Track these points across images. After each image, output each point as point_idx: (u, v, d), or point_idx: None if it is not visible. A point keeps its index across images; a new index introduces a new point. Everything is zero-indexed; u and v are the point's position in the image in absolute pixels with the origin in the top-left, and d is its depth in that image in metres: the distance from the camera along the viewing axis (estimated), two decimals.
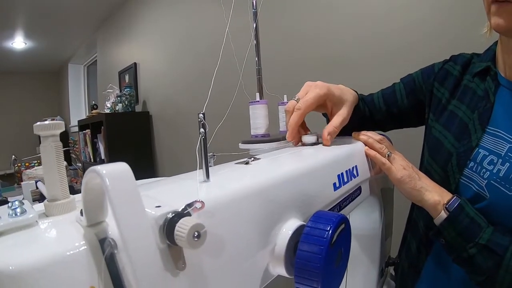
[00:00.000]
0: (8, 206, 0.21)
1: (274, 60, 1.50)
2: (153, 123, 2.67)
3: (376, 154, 0.50)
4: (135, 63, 2.83)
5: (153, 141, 2.68)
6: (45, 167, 0.22)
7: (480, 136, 0.48)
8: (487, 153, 0.47)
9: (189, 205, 0.21)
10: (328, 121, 0.58)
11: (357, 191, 0.48)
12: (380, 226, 0.63)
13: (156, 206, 0.20)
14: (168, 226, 0.19)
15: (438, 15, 0.98)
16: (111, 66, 3.35)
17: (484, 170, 0.46)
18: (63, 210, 0.22)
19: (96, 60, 3.85)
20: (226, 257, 0.24)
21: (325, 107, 0.55)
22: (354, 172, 0.47)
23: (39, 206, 0.24)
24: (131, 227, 0.17)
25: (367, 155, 0.51)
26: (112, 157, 2.44)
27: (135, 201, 0.17)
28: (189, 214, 0.20)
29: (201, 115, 0.26)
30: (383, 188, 0.62)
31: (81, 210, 0.19)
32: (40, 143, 0.22)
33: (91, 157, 2.84)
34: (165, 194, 0.26)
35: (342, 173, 0.43)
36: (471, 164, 0.48)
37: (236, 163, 0.37)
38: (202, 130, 0.26)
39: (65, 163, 0.26)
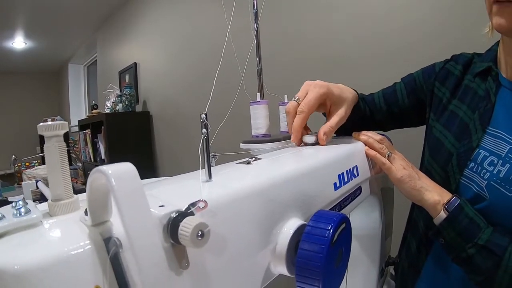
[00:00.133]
0: (12, 206, 0.21)
1: (275, 60, 1.50)
2: (153, 123, 2.67)
3: (376, 154, 0.50)
4: (135, 63, 2.83)
5: (153, 141, 2.69)
6: (49, 167, 0.22)
7: (480, 136, 0.48)
8: (488, 154, 0.47)
9: (193, 204, 0.21)
10: (327, 120, 0.58)
11: (357, 191, 0.48)
12: (380, 225, 0.63)
13: (160, 206, 0.21)
14: (172, 226, 0.19)
15: (438, 15, 0.98)
16: (111, 66, 3.35)
17: (484, 171, 0.46)
18: (67, 210, 0.22)
19: (96, 60, 3.85)
20: (228, 256, 0.25)
21: (324, 106, 0.55)
22: (355, 172, 0.47)
23: (43, 206, 0.24)
24: (137, 226, 0.17)
25: (367, 155, 0.51)
26: (112, 157, 2.44)
27: (140, 200, 0.17)
28: (192, 214, 0.21)
29: (203, 115, 0.26)
30: (383, 187, 0.63)
31: (86, 209, 0.20)
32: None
33: (92, 157, 2.84)
34: (168, 193, 0.26)
35: (342, 173, 0.43)
36: (472, 164, 0.48)
37: (237, 163, 0.38)
38: (204, 130, 0.27)
39: None
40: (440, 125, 0.56)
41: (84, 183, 2.96)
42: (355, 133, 0.55)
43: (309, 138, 0.51)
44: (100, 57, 3.70)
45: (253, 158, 0.39)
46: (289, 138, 0.54)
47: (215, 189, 0.27)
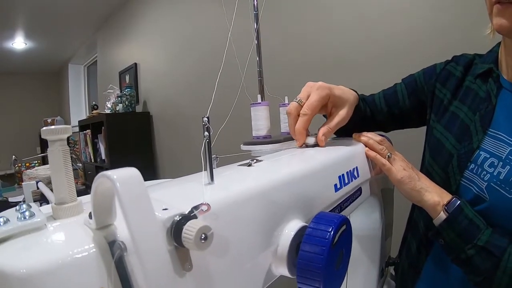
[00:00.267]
0: (16, 209, 0.21)
1: (275, 61, 1.50)
2: (153, 124, 2.67)
3: (377, 155, 0.50)
4: (135, 64, 2.83)
5: (154, 141, 2.69)
6: (53, 171, 0.23)
7: (481, 138, 0.49)
8: (488, 156, 0.47)
9: (196, 207, 0.21)
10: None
11: (358, 192, 0.48)
12: (380, 226, 0.63)
13: (163, 209, 0.21)
14: (176, 229, 0.20)
15: (439, 16, 0.98)
16: (111, 66, 3.35)
17: (484, 172, 0.47)
18: (71, 213, 0.22)
19: (96, 61, 3.85)
20: (230, 258, 0.25)
21: (325, 107, 0.55)
22: (355, 173, 0.47)
23: (46, 209, 0.24)
24: (142, 230, 0.17)
25: (367, 156, 0.51)
26: (112, 157, 2.45)
27: (145, 205, 0.17)
28: (195, 217, 0.21)
29: (205, 118, 0.27)
30: (383, 188, 0.63)
31: (90, 213, 0.20)
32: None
33: (92, 157, 2.85)
34: (171, 196, 0.26)
35: (343, 174, 0.43)
36: (472, 166, 0.48)
37: (239, 165, 0.38)
38: (206, 133, 0.27)
39: None
40: (441, 126, 0.56)
41: (85, 184, 2.96)
42: (355, 134, 0.55)
43: (310, 139, 0.52)
44: (100, 58, 3.70)
45: (254, 160, 0.39)
46: (290, 139, 0.54)
47: (218, 192, 0.27)
